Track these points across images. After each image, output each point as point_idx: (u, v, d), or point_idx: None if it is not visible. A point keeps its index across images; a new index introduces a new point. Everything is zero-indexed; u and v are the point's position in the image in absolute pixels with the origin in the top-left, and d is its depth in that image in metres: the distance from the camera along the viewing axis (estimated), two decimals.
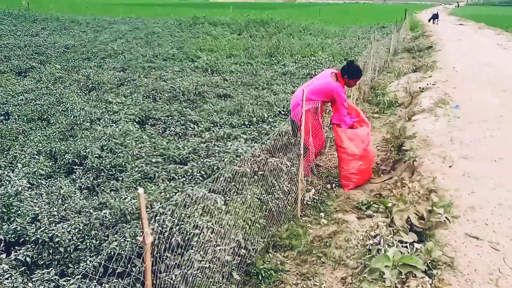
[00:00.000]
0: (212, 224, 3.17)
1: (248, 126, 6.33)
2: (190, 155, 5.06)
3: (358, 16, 33.22)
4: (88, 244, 3.21)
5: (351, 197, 5.18)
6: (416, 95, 9.22)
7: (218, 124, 6.35)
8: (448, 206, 4.28)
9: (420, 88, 9.56)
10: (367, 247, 3.85)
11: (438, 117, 7.31)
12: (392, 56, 15.58)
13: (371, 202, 4.92)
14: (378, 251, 3.65)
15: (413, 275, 3.29)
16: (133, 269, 2.88)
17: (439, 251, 3.59)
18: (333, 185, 5.42)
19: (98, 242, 3.25)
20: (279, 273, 3.68)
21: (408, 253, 3.53)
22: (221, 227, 3.20)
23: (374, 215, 4.58)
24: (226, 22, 22.21)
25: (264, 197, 4.02)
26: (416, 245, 3.64)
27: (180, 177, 4.42)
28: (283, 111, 7.15)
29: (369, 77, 10.06)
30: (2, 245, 3.17)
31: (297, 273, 3.72)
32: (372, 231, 4.12)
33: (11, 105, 6.87)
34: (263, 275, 3.57)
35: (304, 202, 4.85)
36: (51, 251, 3.15)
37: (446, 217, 4.03)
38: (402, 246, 3.67)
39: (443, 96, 8.75)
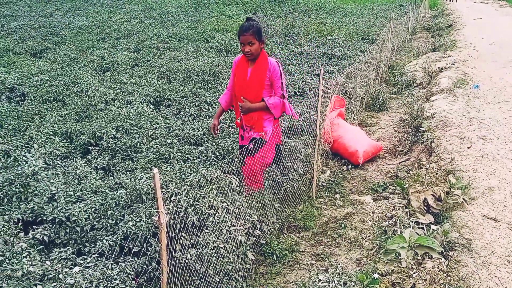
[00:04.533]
0: (227, 205, 3.17)
1: None
2: (204, 136, 5.05)
3: None
4: (104, 223, 3.24)
5: (367, 178, 5.13)
6: (434, 75, 9.01)
7: None
8: (465, 188, 4.21)
9: (439, 68, 9.33)
10: (383, 228, 3.82)
11: (457, 97, 7.15)
12: (410, 35, 15.21)
13: (388, 184, 4.88)
14: (394, 232, 3.62)
15: (429, 256, 3.25)
16: (149, 248, 2.91)
17: (456, 232, 3.54)
18: (349, 167, 5.37)
19: (114, 221, 3.28)
20: (294, 254, 3.68)
21: (425, 234, 3.49)
22: (236, 208, 3.19)
23: (390, 197, 4.53)
24: (240, 1, 21.84)
25: (279, 178, 4.00)
26: (432, 226, 3.59)
27: (194, 158, 4.42)
28: (298, 91, 7.05)
29: (387, 57, 9.85)
30: (20, 224, 3.22)
31: (312, 254, 3.72)
32: (388, 212, 4.09)
33: (27, 86, 6.91)
34: (278, 255, 3.58)
35: (319, 184, 4.82)
36: (68, 230, 3.19)
37: (463, 199, 3.97)
38: (418, 227, 3.63)
39: (462, 76, 8.53)
